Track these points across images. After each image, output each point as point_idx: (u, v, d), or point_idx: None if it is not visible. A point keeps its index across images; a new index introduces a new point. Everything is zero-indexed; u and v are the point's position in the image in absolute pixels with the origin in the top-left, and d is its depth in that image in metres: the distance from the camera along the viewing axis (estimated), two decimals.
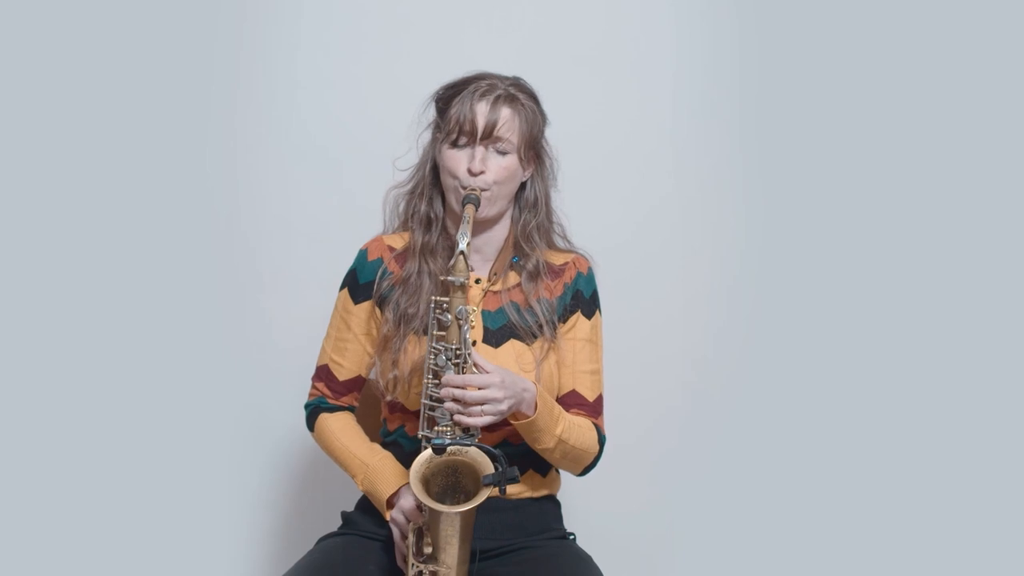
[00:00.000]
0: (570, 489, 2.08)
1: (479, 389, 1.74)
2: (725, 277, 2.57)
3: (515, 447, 1.89)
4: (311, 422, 2.00)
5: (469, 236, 1.78)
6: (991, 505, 2.32)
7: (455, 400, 1.75)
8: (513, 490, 1.90)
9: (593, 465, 1.95)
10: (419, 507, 1.77)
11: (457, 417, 1.75)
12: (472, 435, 1.76)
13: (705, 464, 2.57)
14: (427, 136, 1.98)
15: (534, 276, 1.94)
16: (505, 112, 1.87)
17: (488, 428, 1.80)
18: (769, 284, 2.53)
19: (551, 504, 1.99)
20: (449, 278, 1.78)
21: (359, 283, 1.96)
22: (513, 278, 1.95)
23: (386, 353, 1.91)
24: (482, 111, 1.86)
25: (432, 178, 1.95)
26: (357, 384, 1.99)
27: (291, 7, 2.53)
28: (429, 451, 1.74)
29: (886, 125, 2.44)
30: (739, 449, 2.54)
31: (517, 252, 1.96)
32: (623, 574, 2.05)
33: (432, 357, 1.79)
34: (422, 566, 1.76)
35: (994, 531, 2.31)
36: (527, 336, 1.91)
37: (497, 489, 1.70)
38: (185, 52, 2.44)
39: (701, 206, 2.57)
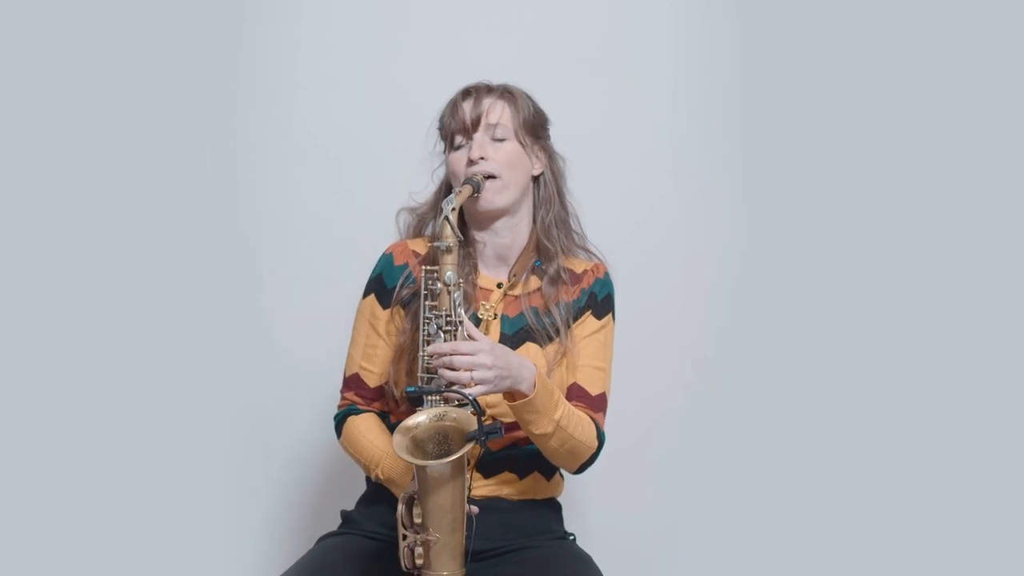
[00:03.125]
0: (570, 489, 2.08)
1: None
2: (725, 277, 2.57)
3: (522, 448, 1.89)
4: (339, 429, 1.97)
5: (455, 203, 1.79)
6: (990, 505, 2.32)
7: (444, 367, 1.73)
8: (516, 492, 1.90)
9: (590, 463, 1.91)
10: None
11: (449, 376, 1.72)
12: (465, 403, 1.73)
13: (705, 464, 2.57)
14: (442, 172, 2.00)
15: (555, 281, 1.94)
16: (488, 100, 1.91)
17: None
18: (769, 284, 2.53)
19: (552, 506, 1.99)
20: (435, 243, 1.79)
21: (386, 288, 1.95)
22: (534, 282, 1.95)
23: (402, 364, 1.90)
24: (468, 107, 1.91)
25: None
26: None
27: (291, 7, 2.53)
28: (418, 415, 1.72)
29: (886, 125, 2.44)
30: (739, 449, 2.54)
31: (540, 255, 1.96)
32: (623, 574, 2.04)
33: (424, 326, 1.80)
34: (414, 536, 1.73)
35: (994, 531, 2.31)
36: (543, 339, 1.91)
37: (477, 445, 1.68)
38: (185, 52, 2.44)
39: (701, 206, 2.57)
